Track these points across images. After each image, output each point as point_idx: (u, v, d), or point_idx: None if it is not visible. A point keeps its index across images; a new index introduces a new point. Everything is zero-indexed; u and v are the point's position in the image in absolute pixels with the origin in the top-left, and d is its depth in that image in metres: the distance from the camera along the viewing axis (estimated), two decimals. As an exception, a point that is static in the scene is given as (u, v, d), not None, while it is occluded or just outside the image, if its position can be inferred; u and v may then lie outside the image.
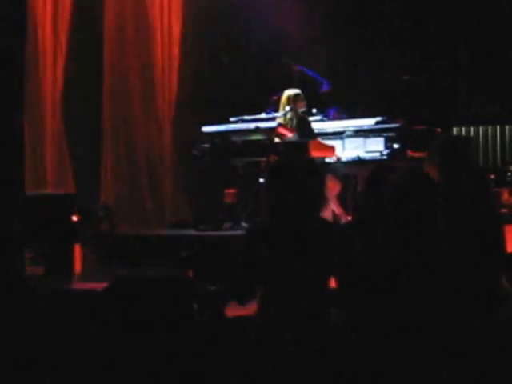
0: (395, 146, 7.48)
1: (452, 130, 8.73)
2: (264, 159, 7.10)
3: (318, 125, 7.83)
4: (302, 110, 7.46)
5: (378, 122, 7.65)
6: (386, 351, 3.08)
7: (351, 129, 7.73)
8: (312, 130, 7.45)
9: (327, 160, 7.51)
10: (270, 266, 3.12)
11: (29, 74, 7.34)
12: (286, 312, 3.08)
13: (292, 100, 7.38)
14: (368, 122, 7.71)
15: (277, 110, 7.56)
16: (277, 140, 7.25)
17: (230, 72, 9.13)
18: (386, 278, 3.11)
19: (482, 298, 3.62)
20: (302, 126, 7.32)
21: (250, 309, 3.25)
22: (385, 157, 7.44)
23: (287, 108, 7.36)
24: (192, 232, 7.55)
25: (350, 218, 6.88)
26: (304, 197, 3.13)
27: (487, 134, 8.72)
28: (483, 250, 3.77)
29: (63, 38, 7.95)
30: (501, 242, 3.93)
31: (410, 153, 7.42)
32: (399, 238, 3.18)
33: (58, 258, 6.08)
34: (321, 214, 3.33)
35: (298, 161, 3.29)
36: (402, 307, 3.10)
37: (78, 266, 6.21)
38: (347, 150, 7.67)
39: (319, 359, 3.04)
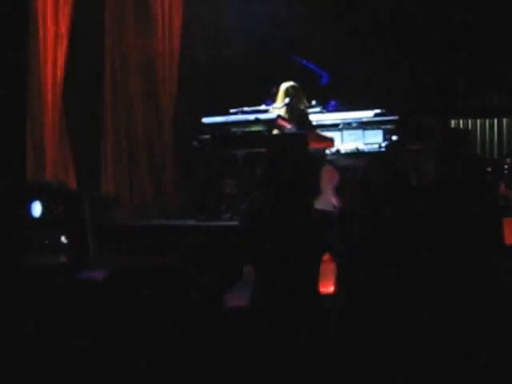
0: (394, 138, 7.53)
1: (450, 123, 8.78)
2: (263, 150, 7.14)
3: (317, 117, 7.88)
4: (301, 102, 7.49)
5: (376, 115, 7.69)
6: (380, 332, 3.13)
7: (349, 121, 7.78)
8: (311, 122, 7.50)
9: (326, 152, 7.56)
10: (260, 251, 3.20)
11: (29, 65, 7.38)
12: (275, 299, 3.15)
13: (291, 92, 7.42)
14: (367, 115, 7.75)
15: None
16: (276, 131, 7.29)
17: (231, 63, 9.17)
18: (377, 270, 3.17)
19: (480, 287, 3.67)
20: (300, 119, 7.35)
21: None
22: (383, 149, 7.50)
23: (286, 100, 7.40)
24: (192, 222, 7.60)
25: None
26: (296, 185, 3.18)
27: (485, 127, 8.76)
28: (482, 240, 3.81)
29: (64, 28, 7.97)
30: (500, 232, 3.97)
31: (408, 145, 7.48)
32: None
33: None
34: (319, 205, 3.38)
35: (292, 151, 3.33)
36: (397, 298, 3.15)
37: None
38: (346, 142, 7.71)
39: (312, 344, 3.10)
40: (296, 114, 7.41)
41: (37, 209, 6.22)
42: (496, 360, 3.38)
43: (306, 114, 7.52)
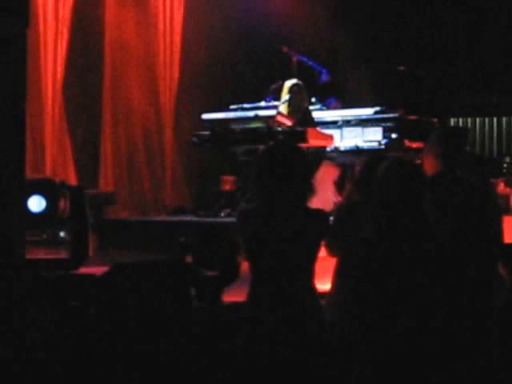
0: (393, 135, 7.53)
1: (449, 121, 8.78)
2: (262, 147, 7.14)
3: (317, 114, 7.88)
4: (303, 100, 7.50)
5: (376, 112, 7.69)
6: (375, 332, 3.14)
7: (349, 118, 7.78)
8: (313, 119, 7.50)
9: (326, 149, 7.57)
10: (257, 250, 3.21)
11: (30, 61, 7.38)
12: (272, 297, 3.16)
13: (293, 90, 7.43)
14: (366, 112, 7.75)
15: (276, 99, 7.60)
16: (276, 128, 7.30)
17: (231, 60, 9.17)
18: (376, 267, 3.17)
19: (479, 286, 3.67)
20: (303, 116, 7.36)
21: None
22: (383, 146, 7.50)
23: (287, 97, 7.41)
24: (191, 218, 7.62)
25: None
26: (290, 185, 3.19)
27: (484, 126, 8.76)
28: (481, 238, 3.81)
29: (64, 25, 7.98)
30: (499, 231, 3.98)
31: (407, 143, 7.49)
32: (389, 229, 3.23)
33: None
34: (317, 203, 3.39)
35: (287, 149, 3.34)
36: (395, 297, 3.16)
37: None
38: (345, 140, 7.72)
39: (306, 342, 3.11)
40: (299, 111, 7.42)
41: (38, 204, 6.23)
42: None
43: (309, 112, 7.53)
